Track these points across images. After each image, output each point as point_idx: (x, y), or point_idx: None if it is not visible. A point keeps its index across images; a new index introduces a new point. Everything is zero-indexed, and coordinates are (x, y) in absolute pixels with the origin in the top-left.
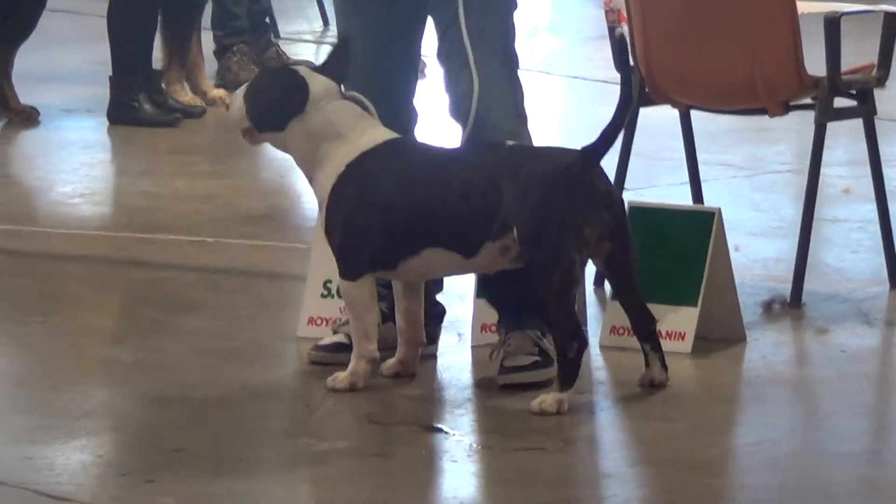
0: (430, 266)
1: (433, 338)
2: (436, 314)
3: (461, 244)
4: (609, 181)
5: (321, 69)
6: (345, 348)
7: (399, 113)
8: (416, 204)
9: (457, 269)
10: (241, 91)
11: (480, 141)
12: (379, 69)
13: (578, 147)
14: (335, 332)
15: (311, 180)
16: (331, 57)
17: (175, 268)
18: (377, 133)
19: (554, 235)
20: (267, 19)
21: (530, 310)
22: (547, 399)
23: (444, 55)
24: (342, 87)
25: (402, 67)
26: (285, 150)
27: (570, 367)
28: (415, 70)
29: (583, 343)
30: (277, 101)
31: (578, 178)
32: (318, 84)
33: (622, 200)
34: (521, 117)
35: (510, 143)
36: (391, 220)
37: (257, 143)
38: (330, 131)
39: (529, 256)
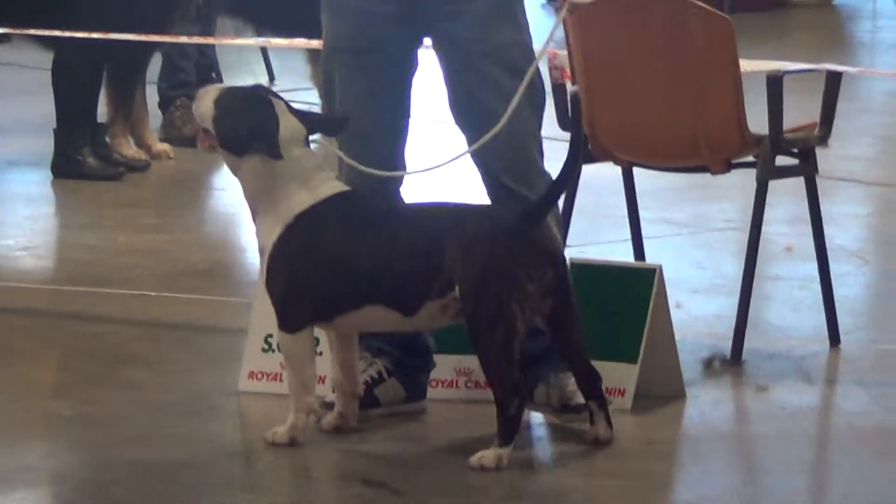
0: (367, 321)
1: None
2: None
3: (401, 302)
4: (552, 238)
5: (298, 112)
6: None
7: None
8: (360, 260)
9: (395, 326)
10: (213, 91)
11: (427, 200)
12: (377, 132)
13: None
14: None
15: (254, 217)
16: (322, 115)
17: (117, 321)
18: (328, 186)
19: (497, 292)
20: (213, 73)
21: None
22: (486, 455)
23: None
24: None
25: (398, 129)
26: (235, 175)
27: (511, 423)
28: (406, 128)
29: (524, 399)
30: (244, 128)
31: (522, 235)
32: (288, 126)
33: (565, 258)
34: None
35: (454, 201)
36: (334, 275)
37: (213, 152)
38: (284, 177)
39: (472, 313)
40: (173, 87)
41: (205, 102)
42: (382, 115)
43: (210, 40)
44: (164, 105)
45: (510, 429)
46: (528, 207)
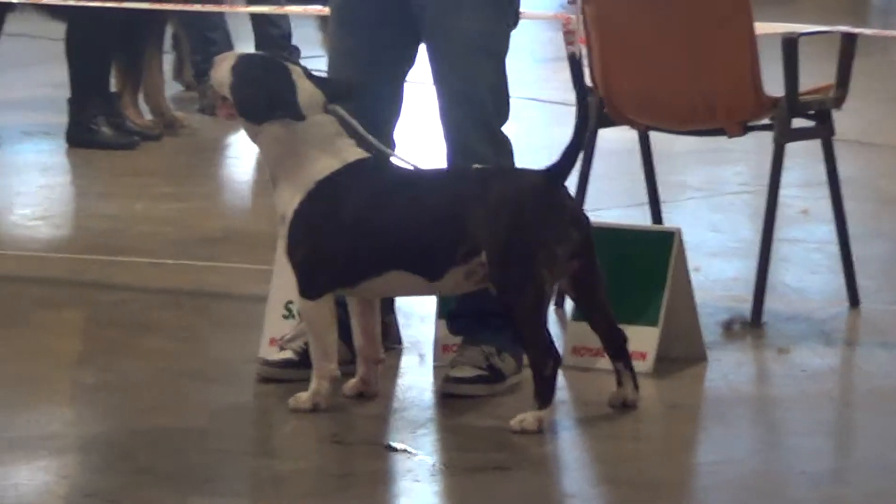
0: (391, 287)
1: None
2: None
3: (426, 268)
4: (575, 200)
5: (315, 78)
6: (293, 364)
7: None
8: (383, 227)
9: (419, 291)
10: (230, 59)
11: (448, 166)
12: (362, 90)
13: (541, 167)
14: (282, 349)
15: (274, 185)
16: (334, 81)
17: (136, 290)
18: (349, 153)
19: (525, 255)
20: (288, 45)
21: (492, 325)
22: (527, 418)
23: (435, 83)
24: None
25: (385, 93)
26: (255, 142)
27: (547, 385)
28: (397, 100)
29: (557, 360)
30: (262, 95)
31: (547, 197)
32: (305, 92)
33: (588, 219)
34: (499, 144)
35: (476, 166)
36: (356, 242)
37: (232, 119)
38: (303, 143)
39: (500, 278)
40: (206, 60)
41: (221, 70)
42: (361, 75)
43: (222, 8)
44: (198, 77)
45: (547, 390)
46: (549, 169)
